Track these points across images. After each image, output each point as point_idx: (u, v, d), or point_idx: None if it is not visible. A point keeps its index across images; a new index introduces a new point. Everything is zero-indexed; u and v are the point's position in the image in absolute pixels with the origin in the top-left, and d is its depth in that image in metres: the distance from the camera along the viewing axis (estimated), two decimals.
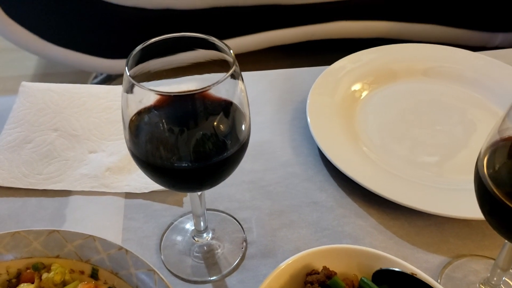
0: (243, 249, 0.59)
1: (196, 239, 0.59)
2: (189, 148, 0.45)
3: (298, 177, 0.67)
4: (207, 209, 0.62)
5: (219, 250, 0.59)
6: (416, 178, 0.65)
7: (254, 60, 1.63)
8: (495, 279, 0.52)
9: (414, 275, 0.47)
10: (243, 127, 0.47)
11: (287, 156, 0.70)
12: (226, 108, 0.45)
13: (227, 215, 0.63)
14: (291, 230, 0.61)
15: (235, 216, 0.63)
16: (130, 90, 0.43)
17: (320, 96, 0.74)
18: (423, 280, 0.47)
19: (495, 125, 0.41)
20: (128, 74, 0.42)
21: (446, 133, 0.72)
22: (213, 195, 0.64)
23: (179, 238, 0.60)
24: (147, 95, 0.42)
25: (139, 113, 0.45)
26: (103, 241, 0.49)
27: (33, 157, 0.69)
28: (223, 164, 0.46)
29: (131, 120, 0.45)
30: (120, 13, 1.67)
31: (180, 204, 0.64)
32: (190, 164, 0.45)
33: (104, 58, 1.75)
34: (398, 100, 0.76)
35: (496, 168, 0.41)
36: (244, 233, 0.61)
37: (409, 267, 0.48)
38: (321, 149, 0.67)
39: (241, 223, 0.62)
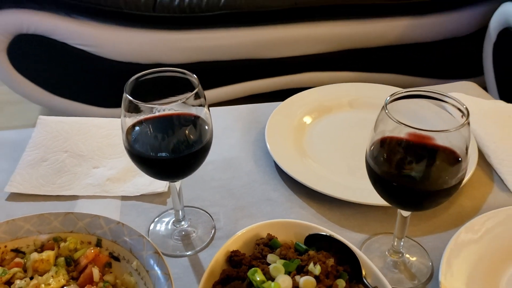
0: (212, 233, 0.77)
1: (176, 226, 0.77)
2: (168, 145, 0.64)
3: (257, 181, 0.86)
4: (186, 206, 0.80)
5: (193, 234, 0.77)
6: (346, 179, 0.84)
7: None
8: (395, 244, 0.70)
9: (331, 236, 0.65)
10: (207, 132, 0.66)
11: (250, 167, 0.90)
12: (194, 118, 0.65)
13: (200, 210, 0.81)
14: (250, 219, 0.79)
15: (207, 211, 0.81)
16: (127, 106, 0.63)
17: (275, 123, 0.95)
18: (338, 239, 0.65)
19: (371, 131, 0.61)
20: (127, 94, 0.62)
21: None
22: (191, 196, 0.83)
23: (163, 226, 0.78)
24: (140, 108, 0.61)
25: (134, 123, 0.64)
26: (105, 218, 0.67)
27: (48, 171, 0.88)
28: (192, 156, 0.65)
29: (128, 128, 0.65)
30: (117, 68, 1.90)
31: (164, 203, 0.83)
32: (168, 156, 0.64)
33: (102, 107, 1.96)
34: (333, 125, 0.98)
35: (375, 156, 0.61)
36: (214, 222, 0.79)
37: (329, 232, 0.66)
38: (275, 161, 0.87)
39: (211, 215, 0.80)
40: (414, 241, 0.75)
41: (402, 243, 0.70)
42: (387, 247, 0.73)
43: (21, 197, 0.84)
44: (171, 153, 0.65)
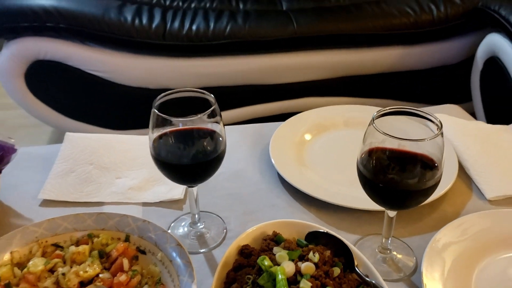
0: (224, 234, 0.87)
1: (192, 227, 0.88)
2: (188, 154, 0.76)
3: (263, 190, 0.97)
4: (201, 211, 0.90)
5: (207, 234, 0.87)
6: (341, 187, 0.95)
7: None
8: (383, 242, 0.81)
9: (328, 232, 0.76)
10: (221, 143, 0.77)
11: (256, 178, 1.01)
12: (211, 132, 0.76)
13: (213, 214, 0.91)
14: (257, 222, 0.87)
15: (219, 215, 0.91)
16: (155, 120, 0.74)
17: (279, 139, 1.07)
18: (334, 235, 0.75)
19: (360, 143, 0.72)
20: (155, 109, 0.74)
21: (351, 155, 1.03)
22: (205, 202, 0.93)
23: (180, 228, 0.89)
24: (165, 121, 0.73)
25: (160, 135, 0.76)
26: (132, 217, 0.78)
27: (76, 181, 0.99)
28: (209, 164, 0.76)
29: (154, 139, 0.76)
30: (127, 92, 2.02)
31: (180, 209, 0.93)
32: (189, 163, 0.75)
33: (114, 129, 2.08)
34: (330, 141, 1.10)
35: (364, 163, 0.72)
36: (225, 224, 0.89)
37: (326, 229, 0.77)
38: (279, 172, 0.98)
39: (223, 218, 0.91)
40: (401, 241, 0.85)
41: (389, 241, 0.81)
42: (377, 245, 0.83)
43: (53, 203, 0.95)
44: (191, 160, 0.76)
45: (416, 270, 0.80)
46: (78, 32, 1.88)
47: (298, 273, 0.67)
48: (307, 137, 1.10)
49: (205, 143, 0.77)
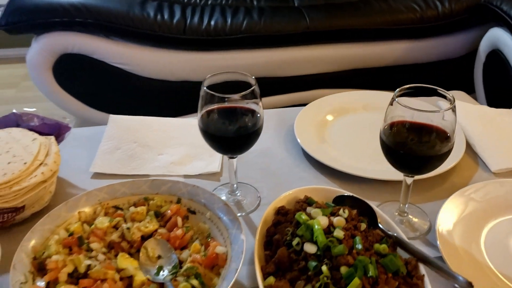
0: (258, 201, 0.99)
1: (230, 195, 0.99)
2: (231, 127, 0.87)
3: (289, 166, 1.09)
4: (238, 182, 1.01)
5: (244, 201, 0.98)
6: (361, 161, 1.06)
7: None
8: (401, 206, 0.92)
9: (353, 196, 0.87)
10: (259, 119, 0.88)
11: (282, 155, 1.12)
12: (250, 109, 0.87)
13: (248, 185, 1.03)
14: (287, 191, 1.00)
15: (253, 185, 1.03)
16: (204, 96, 0.85)
17: (303, 119, 1.18)
18: (358, 198, 0.87)
19: (384, 116, 0.83)
20: (204, 87, 0.85)
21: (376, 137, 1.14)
22: (240, 175, 1.04)
23: (220, 196, 1.00)
24: (213, 98, 0.84)
25: (208, 110, 0.87)
26: (183, 183, 0.89)
27: (122, 157, 1.10)
28: (249, 136, 0.87)
29: (203, 114, 0.87)
30: (148, 84, 2.14)
31: (218, 180, 1.05)
32: (232, 135, 0.86)
33: None
34: (350, 122, 1.22)
35: (387, 134, 0.83)
36: (259, 193, 1.01)
37: (351, 194, 0.88)
38: (303, 149, 1.10)
39: (257, 188, 1.02)
40: (416, 206, 0.97)
41: (406, 206, 0.92)
42: (394, 209, 0.95)
43: (102, 176, 1.06)
44: (234, 133, 0.87)
45: (430, 230, 0.91)
46: (104, 27, 1.99)
47: (331, 226, 0.78)
48: (329, 117, 1.22)
49: (246, 119, 0.88)
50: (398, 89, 0.83)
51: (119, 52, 2.06)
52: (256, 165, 1.09)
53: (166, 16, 2.04)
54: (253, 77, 0.88)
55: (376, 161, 1.07)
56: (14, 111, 1.07)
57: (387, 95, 1.29)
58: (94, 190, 0.88)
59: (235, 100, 0.86)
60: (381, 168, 1.03)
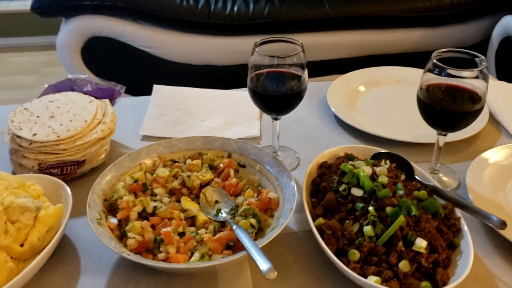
0: (298, 161, 1.06)
1: None
2: (278, 87, 0.94)
3: (323, 132, 1.17)
4: (279, 146, 1.09)
5: (284, 161, 1.06)
6: (392, 127, 1.14)
7: None
8: (433, 165, 1.00)
9: (391, 152, 0.95)
10: (304, 82, 0.96)
11: (316, 122, 1.20)
12: (296, 73, 0.95)
13: (287, 147, 1.11)
14: (318, 153, 1.08)
15: (292, 148, 1.11)
16: (255, 58, 0.93)
17: (335, 89, 1.27)
18: (396, 154, 0.94)
19: (421, 79, 0.91)
20: (255, 49, 0.92)
21: (407, 108, 1.22)
22: (280, 140, 1.12)
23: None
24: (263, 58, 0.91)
25: (258, 73, 0.94)
26: (233, 140, 0.97)
27: (168, 122, 1.18)
28: (293, 96, 0.95)
29: (252, 76, 0.94)
30: (172, 67, 2.21)
31: (258, 143, 1.12)
32: (277, 94, 0.94)
33: None
34: (381, 94, 1.29)
35: (425, 94, 0.91)
36: (297, 154, 1.09)
37: (387, 151, 0.96)
38: (336, 115, 1.18)
39: (296, 151, 1.10)
40: (447, 166, 1.04)
41: (438, 165, 1.00)
42: (426, 168, 1.02)
43: (151, 139, 1.14)
44: (280, 92, 0.95)
45: (460, 185, 0.99)
46: (132, 11, 2.07)
47: (374, 174, 0.86)
48: (361, 88, 1.30)
49: (292, 82, 0.95)
50: (435, 52, 0.90)
51: (145, 35, 2.14)
52: (293, 132, 1.17)
53: (191, 2, 2.12)
54: (300, 42, 0.96)
55: (406, 127, 1.15)
56: (69, 76, 1.15)
57: (420, 72, 1.38)
58: (153, 144, 0.96)
59: (283, 65, 0.93)
60: (411, 134, 1.11)
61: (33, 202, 0.79)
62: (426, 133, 1.05)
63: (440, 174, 1.01)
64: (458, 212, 0.83)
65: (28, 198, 0.80)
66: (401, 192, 0.82)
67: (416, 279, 0.74)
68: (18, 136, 0.97)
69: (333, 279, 0.79)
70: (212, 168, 0.94)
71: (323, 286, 0.78)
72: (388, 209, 0.78)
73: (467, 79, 0.87)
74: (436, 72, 0.87)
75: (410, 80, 1.32)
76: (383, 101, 1.27)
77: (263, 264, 0.68)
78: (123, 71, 2.24)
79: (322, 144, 1.12)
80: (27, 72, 3.21)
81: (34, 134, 0.96)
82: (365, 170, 0.85)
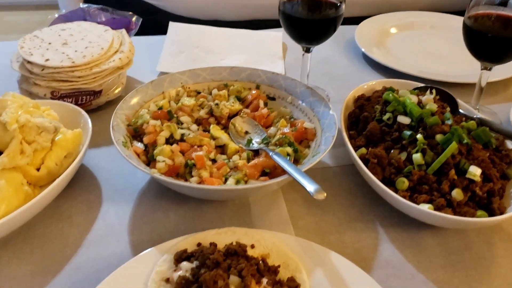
0: (328, 98, 1.00)
1: None
2: (313, 13, 0.87)
3: (352, 71, 1.10)
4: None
5: None
6: (424, 68, 1.08)
7: None
8: (473, 104, 0.94)
9: (432, 86, 0.88)
10: (341, 8, 0.89)
11: (344, 62, 1.13)
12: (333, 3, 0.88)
13: (316, 85, 1.04)
14: (348, 92, 1.01)
15: (320, 87, 1.04)
16: None
17: (364, 29, 1.21)
18: (439, 88, 0.88)
19: (468, 6, 0.84)
20: None
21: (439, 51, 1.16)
22: (309, 79, 1.05)
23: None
24: None
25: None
26: (262, 70, 0.90)
27: (186, 60, 1.10)
28: (329, 22, 0.88)
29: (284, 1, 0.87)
30: (179, 21, 2.12)
31: None
32: (312, 19, 0.87)
33: None
34: (412, 37, 1.24)
35: (471, 21, 0.84)
36: (326, 92, 1.02)
37: (429, 85, 0.89)
38: (366, 54, 1.11)
39: (324, 88, 1.03)
40: (486, 107, 0.98)
41: (478, 106, 0.94)
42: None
43: None
44: (313, 17, 0.88)
45: (501, 123, 0.93)
46: None
47: (420, 103, 0.79)
48: (393, 30, 1.23)
49: (328, 8, 0.88)
50: None
51: None
52: (320, 71, 1.10)
53: None
54: None
55: (441, 71, 1.09)
56: (81, 5, 1.06)
57: (458, 18, 1.31)
58: (176, 73, 0.89)
59: None
60: (447, 75, 1.05)
61: (51, 122, 0.72)
62: (462, 74, 1.01)
63: (480, 113, 0.95)
64: (510, 144, 0.77)
65: (45, 118, 0.73)
66: (450, 122, 0.76)
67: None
68: (28, 62, 0.89)
69: (376, 211, 0.74)
70: (240, 99, 0.87)
71: (366, 218, 0.73)
72: (439, 137, 0.72)
73: None
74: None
75: (445, 26, 1.26)
76: (413, 42, 1.21)
77: (310, 186, 0.62)
78: None
79: (351, 84, 1.04)
80: (23, 31, 3.08)
81: (47, 60, 0.88)
82: (411, 98, 0.79)
